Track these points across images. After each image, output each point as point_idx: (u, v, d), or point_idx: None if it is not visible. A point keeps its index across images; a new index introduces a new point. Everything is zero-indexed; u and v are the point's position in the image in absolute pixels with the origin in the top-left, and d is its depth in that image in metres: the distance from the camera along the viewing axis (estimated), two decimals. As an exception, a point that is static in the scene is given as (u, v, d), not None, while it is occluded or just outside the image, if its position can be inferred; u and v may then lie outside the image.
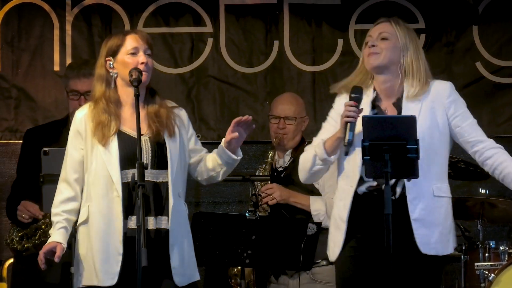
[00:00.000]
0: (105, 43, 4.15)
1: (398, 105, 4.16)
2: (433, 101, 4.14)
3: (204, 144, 4.34)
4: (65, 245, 4.04)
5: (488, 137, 4.25)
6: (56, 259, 4.00)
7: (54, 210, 4.11)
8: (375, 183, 4.08)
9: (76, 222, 4.10)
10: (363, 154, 3.85)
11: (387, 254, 3.76)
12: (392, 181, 4.02)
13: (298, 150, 5.32)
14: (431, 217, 4.07)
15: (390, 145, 3.80)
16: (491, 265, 5.22)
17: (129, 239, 3.96)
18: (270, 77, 6.32)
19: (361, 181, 4.11)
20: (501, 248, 5.35)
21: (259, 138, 6.22)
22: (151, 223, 3.96)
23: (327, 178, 5.18)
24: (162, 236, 4.00)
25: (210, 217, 4.69)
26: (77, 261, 4.09)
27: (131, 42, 4.08)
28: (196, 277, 4.12)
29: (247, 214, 4.70)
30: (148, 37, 4.14)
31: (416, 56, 4.17)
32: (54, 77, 6.22)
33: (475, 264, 5.27)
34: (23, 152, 5.22)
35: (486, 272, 5.19)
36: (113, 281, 3.97)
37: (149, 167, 4.01)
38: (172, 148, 4.07)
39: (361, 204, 4.09)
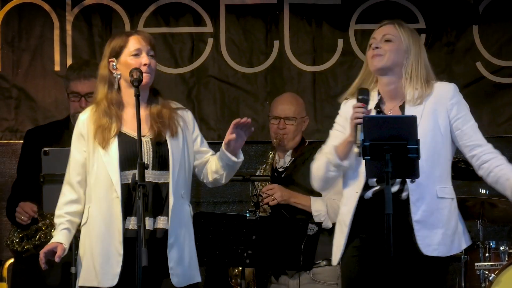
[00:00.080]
0: (109, 44, 4.13)
1: (402, 107, 4.16)
2: (436, 103, 4.14)
3: (204, 144, 4.33)
4: (66, 246, 4.04)
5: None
6: (57, 259, 4.00)
7: (57, 212, 4.11)
8: (379, 188, 4.08)
9: (80, 224, 4.11)
10: (364, 154, 3.85)
11: (388, 254, 3.76)
12: (397, 188, 4.05)
13: (298, 150, 5.32)
14: (433, 218, 4.06)
15: (390, 145, 3.80)
16: (492, 265, 5.22)
17: (129, 240, 3.95)
18: (271, 77, 6.32)
19: (366, 187, 4.11)
20: (502, 248, 5.35)
21: (259, 138, 6.22)
22: (147, 223, 3.95)
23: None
24: (160, 236, 3.99)
25: (210, 217, 4.69)
26: (78, 262, 4.09)
27: (133, 43, 4.07)
28: (197, 279, 4.09)
29: (247, 214, 4.70)
30: (151, 38, 4.13)
31: (420, 59, 4.17)
32: (55, 77, 6.22)
33: (476, 264, 5.27)
34: (23, 152, 5.23)
35: (487, 272, 5.19)
36: (113, 282, 3.96)
37: (150, 168, 4.00)
38: (174, 148, 4.06)
39: (365, 208, 4.09)
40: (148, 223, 3.97)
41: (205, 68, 6.30)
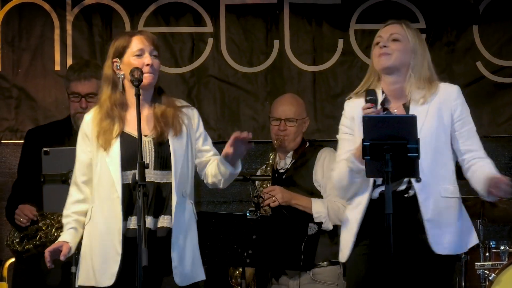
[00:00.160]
0: (112, 44, 4.13)
1: (407, 106, 4.15)
2: (441, 103, 4.14)
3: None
4: (72, 245, 4.03)
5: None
6: (62, 257, 3.99)
7: (64, 212, 4.12)
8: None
9: None
10: (364, 154, 3.85)
11: (388, 253, 3.76)
12: (404, 186, 4.06)
13: (299, 151, 5.32)
14: (442, 217, 4.07)
15: (390, 145, 3.80)
16: (492, 264, 5.23)
17: (128, 239, 3.95)
18: (271, 76, 6.32)
19: (373, 186, 4.11)
20: (502, 247, 5.35)
21: (259, 138, 6.22)
22: (148, 222, 3.94)
23: (328, 180, 5.19)
24: (164, 235, 3.99)
25: (211, 217, 4.69)
26: (79, 261, 4.09)
27: (136, 43, 4.06)
28: (200, 277, 4.09)
29: (247, 214, 4.70)
30: (154, 38, 4.12)
31: (424, 59, 4.17)
32: (55, 77, 6.23)
33: (476, 263, 5.28)
34: (24, 152, 5.22)
35: (487, 272, 5.19)
36: (111, 281, 3.96)
37: (152, 168, 4.00)
38: (176, 148, 4.05)
39: (373, 208, 4.08)
40: (150, 223, 3.97)
41: (205, 68, 6.30)
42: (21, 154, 5.24)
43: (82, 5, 6.27)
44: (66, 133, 5.05)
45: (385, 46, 4.14)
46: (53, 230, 4.89)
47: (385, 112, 4.12)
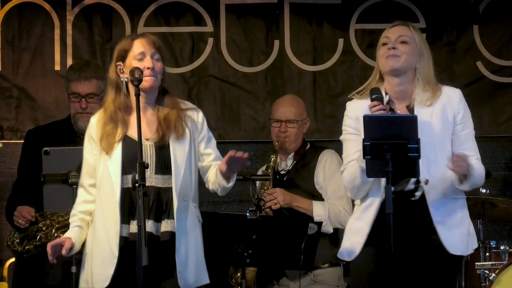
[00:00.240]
0: (116, 47, 4.13)
1: (411, 108, 4.15)
2: (444, 105, 4.14)
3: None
4: (75, 241, 4.03)
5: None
6: (63, 251, 3.98)
7: (71, 212, 4.13)
8: (393, 189, 4.07)
9: None
10: (364, 154, 3.85)
11: (388, 253, 3.76)
12: (412, 186, 4.05)
13: (300, 152, 5.32)
14: (451, 219, 4.08)
15: (391, 145, 3.80)
16: (492, 264, 5.23)
17: (126, 243, 3.96)
18: (271, 76, 6.32)
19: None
20: (502, 247, 5.36)
21: (259, 138, 6.22)
22: (150, 227, 3.95)
23: (330, 183, 5.18)
24: (167, 239, 3.98)
25: (211, 217, 4.69)
26: (82, 264, 4.10)
27: (137, 46, 4.06)
28: (204, 281, 4.08)
29: (248, 214, 4.70)
30: (156, 41, 4.11)
31: (429, 62, 4.18)
32: (55, 77, 6.23)
33: (476, 263, 5.28)
34: (24, 152, 5.22)
35: (487, 272, 5.20)
36: (105, 283, 3.96)
37: (153, 172, 4.00)
38: (177, 152, 4.04)
39: (383, 209, 4.07)
40: (153, 227, 3.97)
41: (205, 68, 6.30)
42: (21, 154, 5.24)
43: (82, 4, 6.27)
44: (66, 133, 5.04)
45: (394, 48, 4.12)
46: (53, 230, 4.88)
47: (390, 112, 4.11)
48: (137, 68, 4.01)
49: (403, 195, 4.04)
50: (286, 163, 5.33)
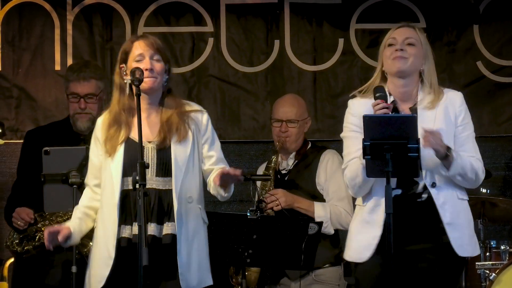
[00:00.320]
0: (120, 50, 4.15)
1: (414, 110, 4.14)
2: (446, 107, 4.14)
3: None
4: (73, 230, 4.05)
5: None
6: (60, 238, 4.01)
7: (75, 207, 4.16)
8: (400, 192, 4.06)
9: (95, 219, 4.14)
10: (364, 154, 3.85)
11: (388, 252, 3.76)
12: (420, 188, 4.05)
13: (301, 152, 5.31)
14: (460, 220, 4.09)
15: (391, 144, 3.80)
16: (492, 264, 5.23)
17: (129, 245, 3.97)
18: (271, 76, 6.32)
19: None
20: (502, 247, 5.36)
21: (259, 138, 6.22)
22: (152, 229, 3.96)
23: (331, 184, 5.18)
24: (169, 241, 3.98)
25: (211, 217, 4.67)
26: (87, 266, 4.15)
27: (136, 48, 4.07)
28: (208, 282, 4.08)
29: (248, 214, 4.70)
30: (156, 42, 4.11)
31: (433, 64, 4.18)
32: (55, 77, 6.23)
33: (476, 263, 5.28)
34: (23, 153, 5.22)
35: (487, 272, 5.20)
36: (100, 284, 3.98)
37: (154, 175, 4.01)
38: (178, 154, 4.04)
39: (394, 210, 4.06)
40: (155, 230, 3.98)
41: (205, 68, 6.30)
42: (21, 155, 5.23)
43: (82, 4, 6.27)
44: (66, 133, 5.04)
45: (401, 50, 4.12)
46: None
47: (395, 112, 4.10)
48: (138, 68, 4.01)
49: (410, 197, 4.04)
50: (287, 163, 5.32)
